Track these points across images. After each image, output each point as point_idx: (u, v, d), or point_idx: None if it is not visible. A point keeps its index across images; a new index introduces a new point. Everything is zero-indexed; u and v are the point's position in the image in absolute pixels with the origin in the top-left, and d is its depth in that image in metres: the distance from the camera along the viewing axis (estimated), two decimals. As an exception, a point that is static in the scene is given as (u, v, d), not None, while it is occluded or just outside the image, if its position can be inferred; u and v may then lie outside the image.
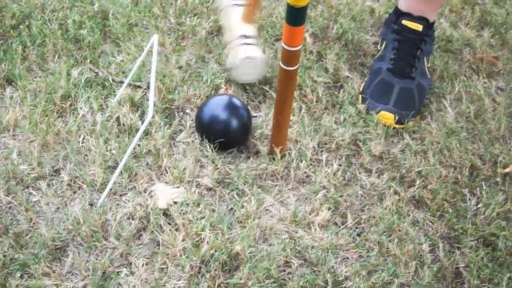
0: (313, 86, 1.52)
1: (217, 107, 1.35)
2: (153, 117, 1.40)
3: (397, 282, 1.15)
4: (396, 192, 1.32)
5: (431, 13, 1.57)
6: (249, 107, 1.46)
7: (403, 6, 1.58)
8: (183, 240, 1.18)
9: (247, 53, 1.47)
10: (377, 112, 1.46)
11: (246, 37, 1.52)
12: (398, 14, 1.58)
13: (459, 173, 1.37)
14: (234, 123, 1.33)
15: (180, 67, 1.54)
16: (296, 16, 1.09)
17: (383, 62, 1.55)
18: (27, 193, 1.26)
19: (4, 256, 1.14)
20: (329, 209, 1.26)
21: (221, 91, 1.49)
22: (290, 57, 1.16)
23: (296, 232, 1.22)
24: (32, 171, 1.29)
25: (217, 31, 1.70)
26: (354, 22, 1.75)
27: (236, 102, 1.36)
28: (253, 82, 1.52)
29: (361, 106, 1.48)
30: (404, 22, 1.56)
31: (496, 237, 1.24)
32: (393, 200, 1.29)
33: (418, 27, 1.55)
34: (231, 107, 1.35)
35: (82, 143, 1.36)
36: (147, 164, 1.32)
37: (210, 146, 1.34)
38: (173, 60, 1.56)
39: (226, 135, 1.34)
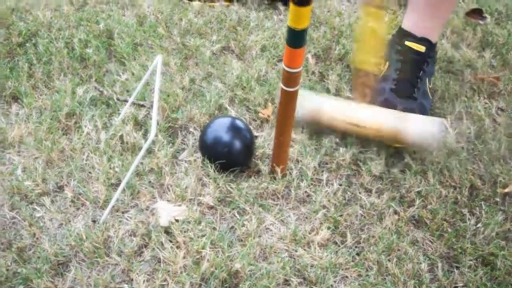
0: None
1: (220, 128, 1.36)
2: (156, 135, 1.42)
3: (395, 301, 1.16)
4: (395, 212, 1.33)
5: (434, 33, 1.59)
6: (251, 127, 1.48)
7: (407, 25, 1.60)
8: (184, 257, 1.19)
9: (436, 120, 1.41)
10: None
11: (394, 112, 1.44)
12: (402, 34, 1.60)
13: (459, 193, 1.37)
14: (237, 145, 1.34)
15: (183, 87, 1.56)
16: (296, 38, 1.11)
17: (386, 83, 1.57)
18: (31, 208, 1.28)
19: (7, 270, 1.16)
20: (329, 228, 1.27)
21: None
22: (290, 79, 1.18)
23: (296, 251, 1.23)
24: (36, 187, 1.31)
25: (220, 51, 1.72)
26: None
27: (239, 123, 1.37)
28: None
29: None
30: (408, 43, 1.58)
31: (495, 256, 1.24)
32: (393, 220, 1.30)
33: (421, 48, 1.56)
34: (234, 129, 1.36)
35: (86, 160, 1.37)
36: (150, 182, 1.34)
37: (212, 167, 1.35)
38: (177, 80, 1.58)
39: (229, 157, 1.35)
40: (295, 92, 1.20)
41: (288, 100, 1.22)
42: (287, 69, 1.16)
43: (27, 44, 1.65)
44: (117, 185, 1.33)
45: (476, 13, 1.94)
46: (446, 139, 1.46)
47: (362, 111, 1.43)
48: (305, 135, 1.45)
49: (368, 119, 1.42)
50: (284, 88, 1.20)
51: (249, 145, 1.36)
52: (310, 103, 1.43)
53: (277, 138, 1.29)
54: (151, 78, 1.58)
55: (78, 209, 1.29)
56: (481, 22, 1.93)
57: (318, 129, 1.46)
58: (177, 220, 1.25)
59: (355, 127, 1.42)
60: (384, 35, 1.41)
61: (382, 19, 1.43)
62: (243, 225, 1.26)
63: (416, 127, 1.40)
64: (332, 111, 1.39)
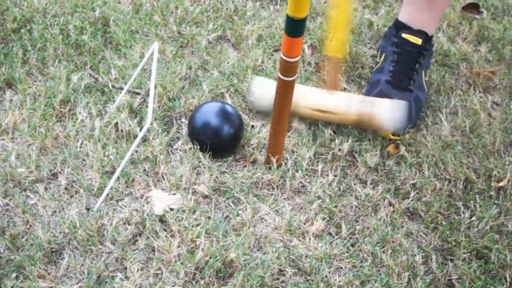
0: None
1: (207, 111, 1.37)
2: (151, 124, 1.41)
3: (389, 293, 1.17)
4: (390, 204, 1.33)
5: (431, 25, 1.59)
6: (246, 117, 1.47)
7: (404, 17, 1.60)
8: (178, 246, 1.19)
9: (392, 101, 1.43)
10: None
11: (362, 99, 1.45)
12: (398, 27, 1.60)
13: (454, 186, 1.38)
14: (223, 128, 1.35)
15: (179, 75, 1.55)
16: (295, 28, 1.11)
17: (382, 74, 1.57)
18: (24, 195, 1.27)
19: (0, 257, 1.15)
20: (323, 219, 1.27)
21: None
22: (288, 68, 1.17)
23: (291, 241, 1.23)
24: (30, 174, 1.30)
25: (216, 40, 1.71)
26: (352, 35, 1.77)
27: (228, 108, 1.38)
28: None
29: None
30: (404, 35, 1.58)
31: (489, 250, 1.25)
32: (388, 212, 1.30)
33: (418, 40, 1.56)
34: (221, 113, 1.36)
35: (80, 147, 1.36)
36: (144, 170, 1.33)
37: (206, 156, 1.35)
38: (173, 68, 1.57)
39: (213, 140, 1.35)
40: (293, 82, 1.20)
41: (285, 90, 1.21)
42: (285, 58, 1.15)
43: (22, 30, 1.64)
44: (111, 173, 1.32)
45: (473, 7, 1.94)
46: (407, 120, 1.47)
47: (326, 97, 1.44)
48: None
49: (333, 105, 1.43)
50: (282, 77, 1.19)
51: (236, 130, 1.36)
52: (267, 89, 1.43)
53: (273, 128, 1.29)
54: (147, 66, 1.57)
55: (72, 196, 1.28)
56: (477, 16, 1.93)
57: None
58: (171, 209, 1.25)
59: (320, 112, 1.44)
60: (351, 21, 1.42)
61: (349, 6, 1.44)
62: (238, 215, 1.26)
63: (381, 111, 1.41)
64: (295, 98, 1.38)
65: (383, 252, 1.23)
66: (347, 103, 1.43)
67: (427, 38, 1.58)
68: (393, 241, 1.25)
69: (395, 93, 1.51)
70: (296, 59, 1.16)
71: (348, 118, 1.43)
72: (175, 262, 1.16)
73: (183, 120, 1.46)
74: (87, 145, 1.36)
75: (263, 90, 1.44)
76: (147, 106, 1.47)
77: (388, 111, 1.41)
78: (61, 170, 1.32)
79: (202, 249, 1.17)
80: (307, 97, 1.44)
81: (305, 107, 1.44)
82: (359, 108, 1.42)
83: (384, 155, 1.44)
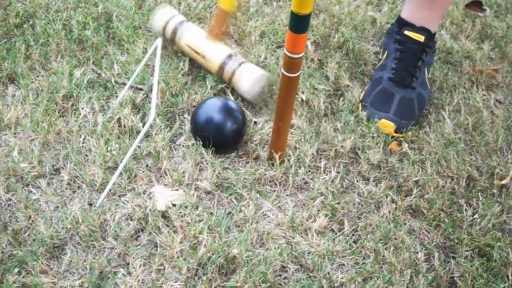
0: (313, 93, 1.53)
1: (207, 105, 1.37)
2: (154, 119, 1.41)
3: (392, 290, 1.17)
4: (393, 201, 1.33)
5: (433, 23, 1.58)
6: (249, 113, 1.47)
7: (406, 15, 1.60)
8: (181, 242, 1.19)
9: (258, 71, 1.47)
10: (378, 120, 1.47)
11: (233, 55, 1.51)
12: (401, 24, 1.60)
13: (456, 183, 1.38)
14: (226, 124, 1.35)
15: (182, 71, 1.55)
16: (299, 24, 1.10)
17: (385, 71, 1.56)
18: (26, 191, 1.27)
19: (2, 252, 1.15)
20: (326, 215, 1.27)
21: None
22: (292, 64, 1.17)
23: (293, 238, 1.23)
24: (32, 169, 1.30)
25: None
26: (355, 32, 1.76)
27: (231, 104, 1.38)
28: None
29: (361, 114, 1.49)
30: (407, 32, 1.57)
31: (491, 247, 1.25)
32: (390, 209, 1.30)
33: (420, 37, 1.56)
34: (224, 109, 1.36)
35: (83, 143, 1.36)
36: (147, 166, 1.33)
37: (208, 152, 1.35)
38: (176, 64, 1.56)
39: (216, 135, 1.35)
40: (297, 78, 1.20)
41: (289, 86, 1.21)
42: (289, 54, 1.15)
43: (25, 25, 1.64)
44: (114, 168, 1.32)
45: (476, 5, 1.93)
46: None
47: (204, 41, 1.53)
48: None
49: (205, 49, 1.52)
50: (285, 73, 1.19)
51: (239, 126, 1.36)
52: (165, 16, 1.58)
53: (276, 124, 1.29)
54: (150, 61, 1.57)
55: (74, 192, 1.28)
56: (480, 14, 1.92)
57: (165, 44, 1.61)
58: (174, 205, 1.25)
59: (194, 53, 1.54)
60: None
61: None
62: (241, 211, 1.26)
63: (243, 78, 1.47)
64: (182, 33, 1.55)
65: (386, 249, 1.22)
66: (218, 52, 1.51)
67: (429, 35, 1.57)
68: (396, 238, 1.25)
69: (398, 90, 1.51)
70: (300, 55, 1.16)
71: (212, 66, 1.51)
72: (178, 258, 1.16)
73: (185, 116, 1.46)
74: (89, 140, 1.36)
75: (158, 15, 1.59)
76: (149, 102, 1.47)
77: (248, 82, 1.45)
78: (63, 165, 1.32)
79: (205, 245, 1.17)
80: (191, 35, 1.54)
81: (185, 44, 1.55)
82: (226, 61, 1.49)
83: (387, 152, 1.44)
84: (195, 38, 1.54)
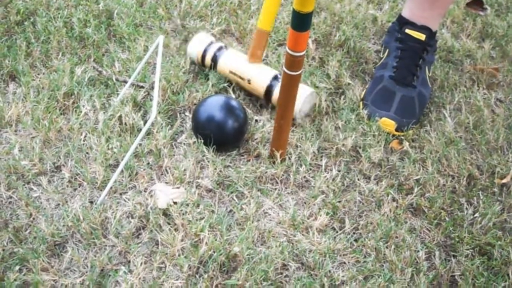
0: (315, 91, 1.53)
1: (208, 103, 1.37)
2: (155, 117, 1.41)
3: (393, 288, 1.17)
4: (394, 199, 1.33)
5: (434, 22, 1.58)
6: (250, 111, 1.47)
7: (407, 13, 1.60)
8: (182, 240, 1.19)
9: (307, 90, 1.45)
10: (379, 119, 1.47)
11: (279, 76, 1.48)
12: (402, 22, 1.60)
13: (457, 182, 1.38)
14: (227, 121, 1.35)
15: (183, 69, 1.55)
16: (301, 22, 1.10)
17: (385, 70, 1.56)
18: (27, 188, 1.27)
19: (3, 250, 1.15)
20: (327, 214, 1.27)
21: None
22: (294, 62, 1.17)
23: (294, 236, 1.23)
24: (33, 167, 1.30)
25: (220, 34, 1.71)
26: (356, 30, 1.76)
27: (231, 101, 1.38)
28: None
29: (362, 113, 1.49)
30: (408, 31, 1.57)
31: (492, 246, 1.25)
32: (391, 207, 1.30)
33: (421, 36, 1.56)
34: (225, 106, 1.36)
35: (84, 141, 1.36)
36: (148, 163, 1.33)
37: (210, 150, 1.35)
38: (177, 62, 1.56)
39: (217, 133, 1.35)
40: (298, 76, 1.20)
41: (291, 84, 1.21)
42: (291, 52, 1.15)
43: (25, 23, 1.63)
44: (115, 166, 1.32)
45: (477, 4, 1.93)
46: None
47: (245, 65, 1.50)
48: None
49: (253, 76, 1.48)
50: (287, 71, 1.19)
51: (240, 124, 1.36)
52: (201, 44, 1.55)
53: (277, 122, 1.29)
54: (151, 59, 1.57)
55: (75, 189, 1.28)
56: (481, 13, 1.92)
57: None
58: (175, 203, 1.25)
59: (239, 78, 1.50)
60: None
61: None
62: (242, 209, 1.26)
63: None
64: (222, 59, 1.52)
65: (387, 247, 1.23)
66: (263, 75, 1.48)
67: (430, 34, 1.57)
68: (397, 237, 1.25)
69: (398, 89, 1.51)
70: (302, 53, 1.16)
71: (259, 89, 1.48)
72: (179, 255, 1.16)
73: (187, 113, 1.46)
74: (90, 138, 1.36)
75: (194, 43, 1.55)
76: (151, 100, 1.47)
77: (298, 101, 1.42)
78: (64, 163, 1.32)
79: (206, 243, 1.17)
80: (232, 61, 1.51)
81: (228, 71, 1.52)
82: (272, 83, 1.46)
83: (388, 150, 1.44)
84: (237, 64, 1.50)
